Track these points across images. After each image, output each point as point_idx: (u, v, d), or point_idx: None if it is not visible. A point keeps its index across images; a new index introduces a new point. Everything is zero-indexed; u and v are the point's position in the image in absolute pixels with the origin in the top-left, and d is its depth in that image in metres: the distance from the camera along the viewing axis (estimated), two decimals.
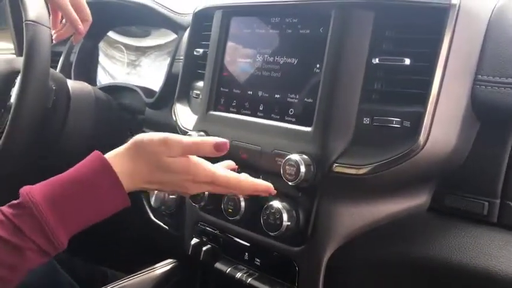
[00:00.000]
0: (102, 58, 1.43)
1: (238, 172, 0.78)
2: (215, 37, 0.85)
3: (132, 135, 0.72)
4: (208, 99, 0.85)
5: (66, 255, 1.20)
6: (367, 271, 0.70)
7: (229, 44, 0.83)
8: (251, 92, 0.79)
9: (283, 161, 0.69)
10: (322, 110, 0.69)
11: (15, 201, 0.59)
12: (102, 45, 1.43)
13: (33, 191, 0.59)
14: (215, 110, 0.84)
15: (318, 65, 0.71)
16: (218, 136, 0.80)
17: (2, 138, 0.87)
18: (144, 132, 1.17)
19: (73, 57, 1.42)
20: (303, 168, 0.67)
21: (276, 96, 0.76)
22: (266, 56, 0.78)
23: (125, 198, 0.63)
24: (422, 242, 0.67)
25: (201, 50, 0.91)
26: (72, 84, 1.10)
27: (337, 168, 0.67)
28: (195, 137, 0.70)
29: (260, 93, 0.78)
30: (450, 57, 0.62)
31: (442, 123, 0.63)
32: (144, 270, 0.91)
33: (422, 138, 0.62)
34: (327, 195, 0.70)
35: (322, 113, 0.69)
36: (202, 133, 0.82)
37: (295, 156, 0.68)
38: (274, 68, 0.77)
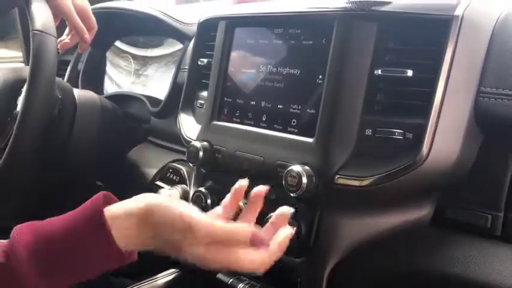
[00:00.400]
0: (108, 67, 1.45)
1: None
2: (219, 47, 0.85)
3: None
4: (212, 109, 0.85)
5: None
6: (369, 284, 0.69)
7: (233, 54, 0.84)
8: (254, 102, 0.80)
9: (285, 172, 0.69)
10: (324, 121, 0.69)
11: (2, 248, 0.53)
12: (109, 54, 1.44)
13: (19, 244, 0.52)
14: (219, 120, 0.84)
15: (320, 76, 0.71)
16: (221, 146, 0.81)
17: (8, 145, 0.88)
18: (149, 141, 1.18)
19: (81, 66, 1.43)
20: (304, 180, 0.67)
21: (278, 106, 0.76)
22: (269, 66, 0.78)
23: (119, 258, 0.54)
24: (425, 254, 0.67)
25: (205, 60, 0.92)
26: (78, 93, 1.11)
27: (339, 179, 0.67)
28: (227, 226, 0.55)
29: (263, 104, 0.78)
30: (453, 69, 0.62)
31: (445, 135, 0.63)
32: (146, 280, 0.90)
33: (424, 150, 0.62)
34: (329, 206, 0.69)
35: (324, 124, 0.69)
36: (205, 143, 0.82)
37: (297, 168, 0.68)
38: (277, 78, 0.77)
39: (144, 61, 1.34)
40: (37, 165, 1.01)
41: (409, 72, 0.65)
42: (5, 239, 0.55)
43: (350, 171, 0.67)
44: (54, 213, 0.57)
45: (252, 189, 0.76)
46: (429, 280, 0.65)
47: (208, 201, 0.79)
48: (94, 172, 1.14)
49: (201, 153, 0.81)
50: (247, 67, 0.82)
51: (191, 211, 0.55)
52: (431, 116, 0.62)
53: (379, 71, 0.67)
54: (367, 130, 0.68)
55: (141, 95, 1.22)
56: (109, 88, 1.43)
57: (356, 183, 0.66)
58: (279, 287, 0.74)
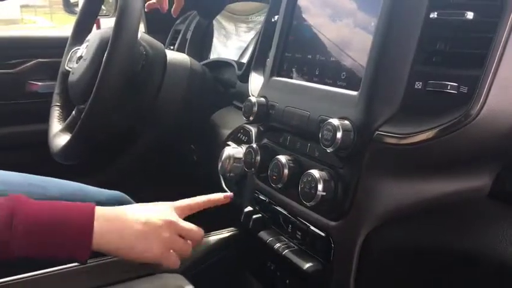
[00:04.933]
0: (215, 35, 1.48)
1: (290, 139, 0.75)
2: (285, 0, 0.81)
3: None
4: (273, 64, 0.82)
5: None
6: (407, 259, 0.61)
7: (298, 5, 0.79)
8: (310, 56, 0.75)
9: (322, 126, 0.63)
10: (370, 71, 0.62)
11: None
12: (215, 23, 1.48)
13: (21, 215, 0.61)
14: (278, 76, 0.81)
15: (372, 24, 0.64)
16: (275, 102, 0.77)
17: (91, 96, 0.94)
18: (234, 105, 1.19)
19: (189, 35, 1.49)
20: (339, 134, 0.61)
21: (331, 59, 0.70)
22: (328, 17, 0.72)
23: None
24: (478, 233, 0.57)
25: (276, 16, 0.89)
26: (170, 54, 1.16)
27: (379, 136, 0.60)
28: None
29: (318, 57, 0.73)
30: None
31: (504, 89, 0.52)
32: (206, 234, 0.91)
33: (477, 104, 0.53)
34: (369, 167, 0.62)
35: (369, 76, 0.62)
36: (262, 99, 0.80)
37: (334, 121, 0.62)
38: (333, 28, 0.71)
39: (247, 28, 1.35)
40: (122, 119, 1.08)
41: (469, 15, 0.55)
42: None
43: (392, 128, 0.59)
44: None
45: (298, 144, 0.73)
46: (481, 265, 0.55)
47: (258, 157, 0.77)
48: (178, 131, 1.18)
49: (254, 109, 0.79)
50: (309, 19, 0.77)
51: None
52: (489, 65, 0.52)
53: (435, 14, 0.58)
54: (416, 83, 0.60)
55: (233, 60, 1.23)
56: (213, 56, 1.47)
57: (397, 141, 0.58)
58: (314, 251, 0.69)
